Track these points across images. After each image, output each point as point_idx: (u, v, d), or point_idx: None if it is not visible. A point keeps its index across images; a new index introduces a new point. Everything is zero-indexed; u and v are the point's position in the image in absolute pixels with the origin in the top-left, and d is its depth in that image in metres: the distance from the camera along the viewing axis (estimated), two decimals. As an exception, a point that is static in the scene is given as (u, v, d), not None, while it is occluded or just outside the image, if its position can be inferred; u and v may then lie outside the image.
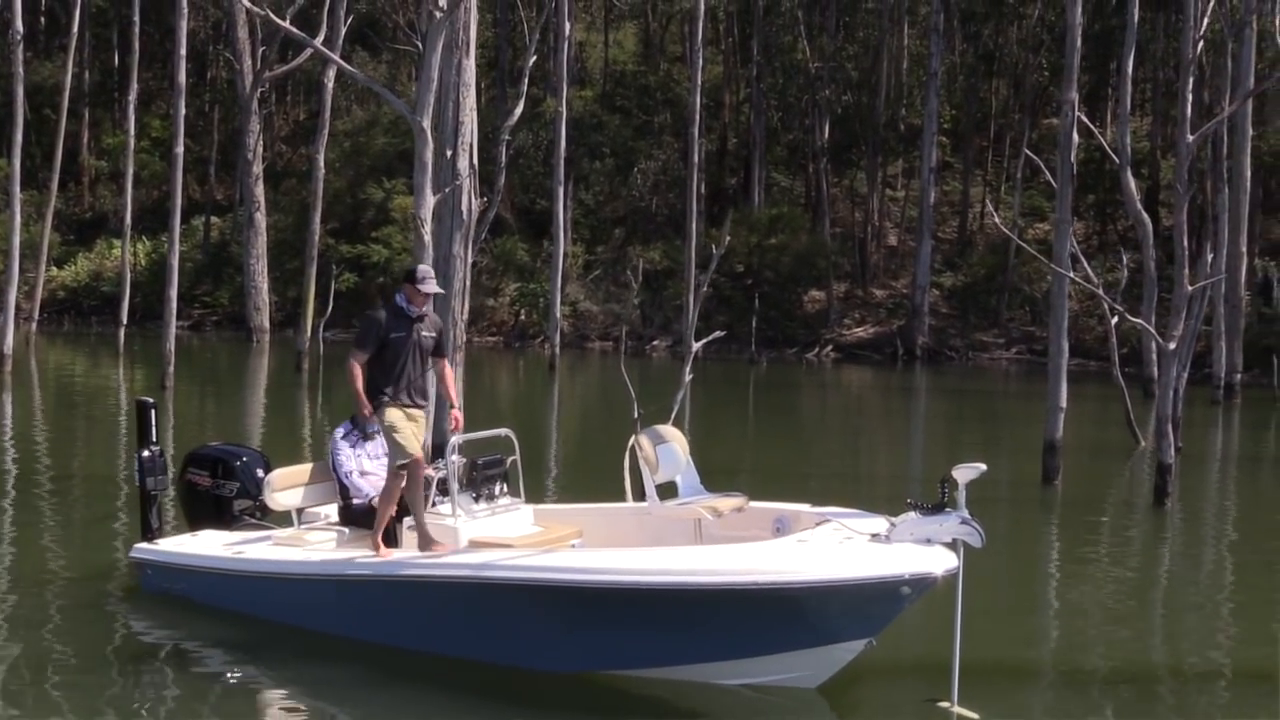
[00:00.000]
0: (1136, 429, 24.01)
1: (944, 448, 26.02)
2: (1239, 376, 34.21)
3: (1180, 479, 18.30)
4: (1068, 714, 9.52)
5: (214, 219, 52.72)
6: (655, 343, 45.57)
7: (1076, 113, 18.32)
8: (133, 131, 40.07)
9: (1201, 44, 18.69)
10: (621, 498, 11.95)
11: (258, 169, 45.15)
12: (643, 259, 44.75)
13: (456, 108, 16.32)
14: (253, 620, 10.82)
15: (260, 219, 44.97)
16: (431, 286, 10.83)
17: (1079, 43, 18.30)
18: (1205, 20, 17.96)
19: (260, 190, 45.29)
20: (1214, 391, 32.39)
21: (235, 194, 52.53)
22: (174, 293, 29.35)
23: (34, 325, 41.09)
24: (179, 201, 30.31)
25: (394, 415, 10.59)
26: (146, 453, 11.65)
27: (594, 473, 18.88)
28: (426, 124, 14.86)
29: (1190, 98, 17.94)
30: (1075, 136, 18.25)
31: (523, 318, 47.10)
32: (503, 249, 46.78)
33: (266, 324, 44.61)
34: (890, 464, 24.07)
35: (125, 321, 37.38)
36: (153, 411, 11.79)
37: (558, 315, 39.80)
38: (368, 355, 10.66)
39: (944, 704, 9.11)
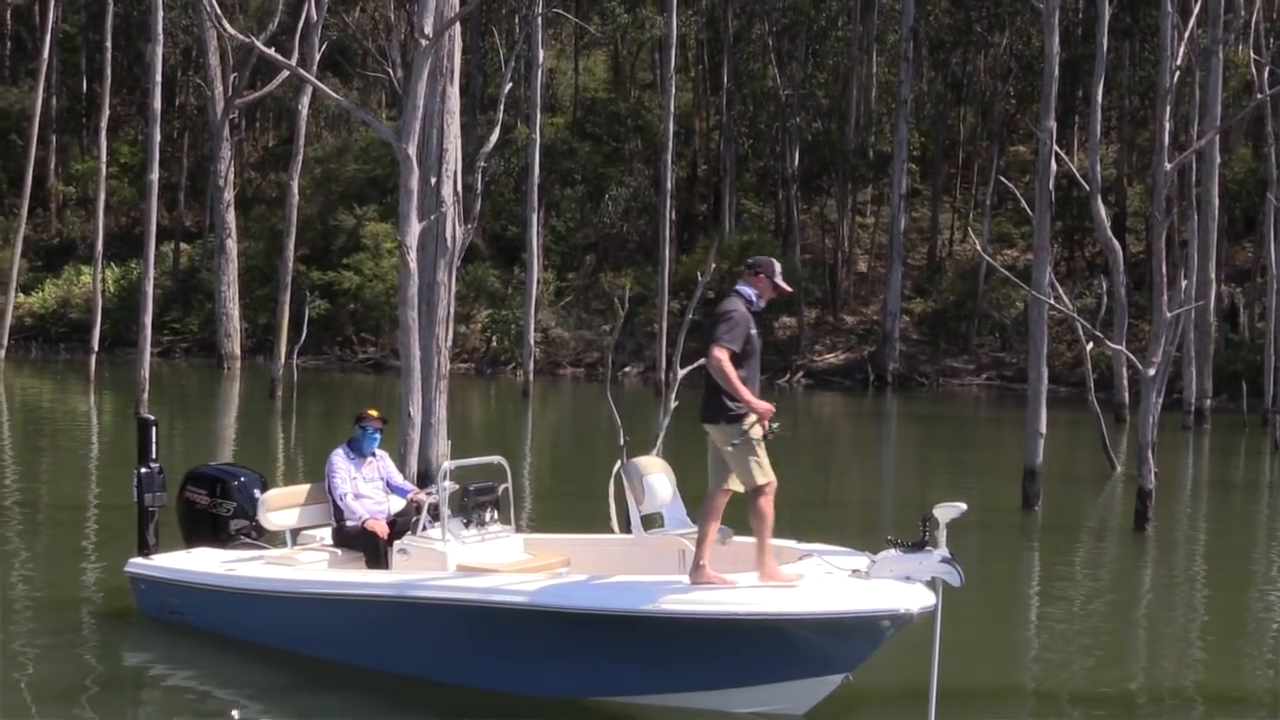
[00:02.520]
0: (1111, 454, 24.14)
1: (916, 474, 26.12)
2: (1208, 402, 34.53)
3: (1156, 504, 18.40)
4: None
5: (183, 245, 52.55)
6: (626, 369, 45.58)
7: (1054, 140, 18.46)
8: (104, 157, 39.88)
9: (1178, 74, 18.90)
10: (603, 525, 11.94)
11: (229, 195, 44.99)
12: (618, 286, 44.76)
13: (441, 135, 16.31)
14: (241, 644, 10.82)
15: (231, 245, 44.79)
16: (783, 283, 9.84)
17: (1056, 72, 18.46)
18: (1182, 50, 18.19)
19: (231, 217, 45.14)
20: (1184, 417, 32.62)
21: (205, 220, 52.34)
22: (148, 319, 29.21)
23: (1, 353, 40.83)
24: (154, 228, 30.18)
25: (757, 432, 9.50)
26: (145, 469, 11.73)
27: (574, 500, 18.84)
28: (412, 151, 14.86)
29: (1168, 126, 18.15)
30: (1054, 164, 18.41)
31: (494, 344, 47.04)
32: (474, 275, 46.75)
33: (238, 351, 44.38)
34: (863, 491, 24.12)
35: (96, 348, 37.08)
36: (154, 429, 11.86)
37: (531, 342, 39.79)
38: (737, 350, 9.35)
39: None
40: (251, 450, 24.81)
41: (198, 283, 50.02)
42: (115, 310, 45.41)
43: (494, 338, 46.97)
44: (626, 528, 11.47)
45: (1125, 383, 32.95)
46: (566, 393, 42.82)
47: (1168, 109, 18.04)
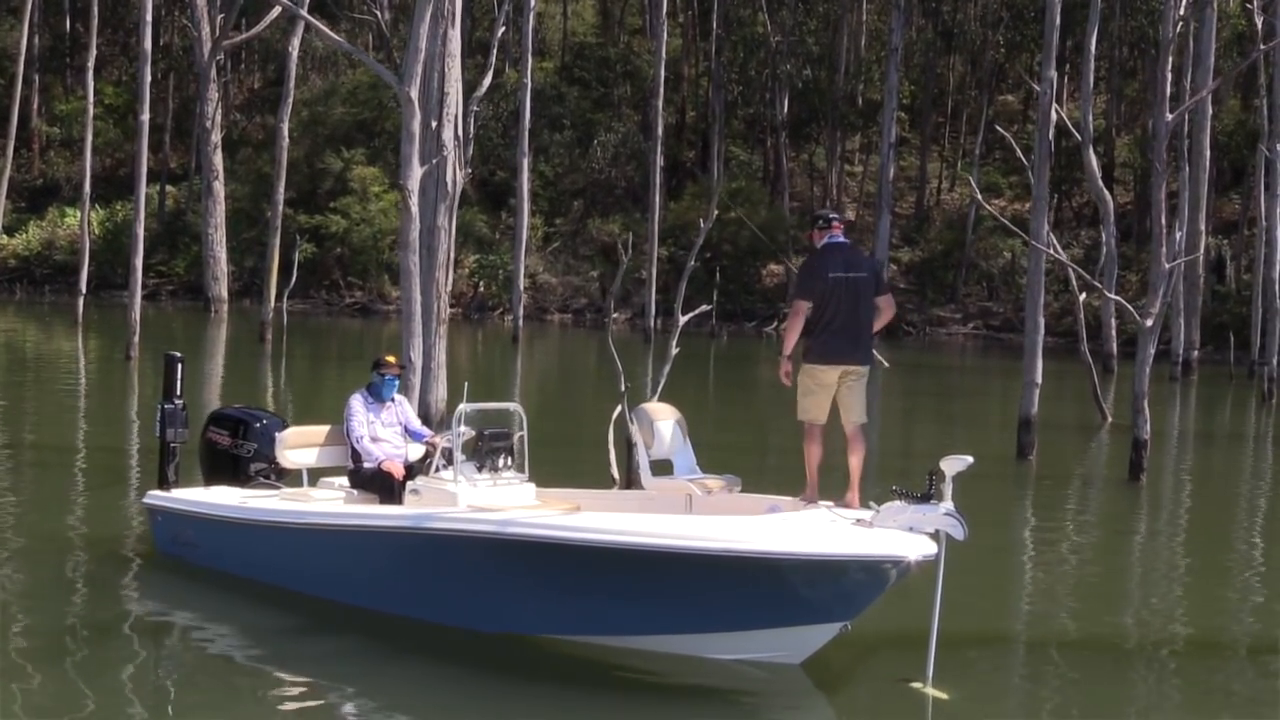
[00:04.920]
0: (1102, 404, 24.24)
1: (904, 424, 26.18)
2: (1196, 353, 34.71)
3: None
4: (1039, 694, 9.57)
5: (169, 188, 52.22)
6: (615, 315, 45.53)
7: (1054, 91, 18.40)
8: (90, 98, 39.54)
9: (1180, 25, 18.85)
10: (599, 473, 11.89)
11: (216, 137, 44.69)
12: (606, 232, 44.73)
13: (441, 78, 16.23)
14: (250, 585, 10.88)
15: (218, 188, 44.53)
16: None
17: (1058, 20, 18.35)
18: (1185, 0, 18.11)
19: (218, 159, 44.86)
20: (1172, 368, 32.78)
21: (190, 162, 52.05)
22: (139, 262, 29.12)
23: (-13, 294, 40.66)
24: (144, 169, 30.02)
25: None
26: (169, 405, 11.85)
27: (569, 447, 18.72)
28: (414, 94, 14.78)
29: (1170, 77, 18.10)
30: (1054, 114, 18.35)
31: (482, 289, 46.98)
32: (462, 220, 46.45)
33: (225, 294, 44.21)
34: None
35: (84, 290, 36.90)
36: (180, 366, 11.90)
37: (520, 288, 39.73)
38: None
39: (915, 684, 9.17)
40: (243, 393, 24.71)
41: (184, 225, 49.80)
42: (101, 252, 45.24)
43: (482, 283, 46.89)
44: (626, 476, 11.45)
45: (1114, 333, 33.09)
46: (555, 338, 42.81)
47: (1169, 60, 17.99)
